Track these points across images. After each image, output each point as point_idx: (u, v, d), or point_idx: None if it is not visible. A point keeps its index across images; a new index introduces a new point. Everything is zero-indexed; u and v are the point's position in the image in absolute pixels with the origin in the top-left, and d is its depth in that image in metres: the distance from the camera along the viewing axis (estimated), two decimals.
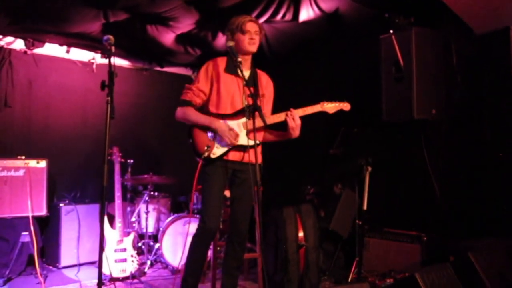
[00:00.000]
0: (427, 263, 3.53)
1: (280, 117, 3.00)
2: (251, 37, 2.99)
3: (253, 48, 3.02)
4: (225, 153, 2.97)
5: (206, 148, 2.92)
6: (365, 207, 3.69)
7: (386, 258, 3.91)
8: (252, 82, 3.09)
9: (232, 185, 3.13)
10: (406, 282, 2.89)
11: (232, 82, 3.05)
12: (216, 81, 3.03)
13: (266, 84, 3.21)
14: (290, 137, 3.05)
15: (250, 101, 2.79)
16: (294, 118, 2.96)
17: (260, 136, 3.09)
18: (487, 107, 3.80)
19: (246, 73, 3.08)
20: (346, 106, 3.18)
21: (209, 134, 2.99)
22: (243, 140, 2.96)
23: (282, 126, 3.01)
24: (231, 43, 2.95)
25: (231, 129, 2.94)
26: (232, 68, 3.03)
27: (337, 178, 4.44)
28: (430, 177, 3.88)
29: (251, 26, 3.00)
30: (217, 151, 2.97)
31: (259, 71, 3.20)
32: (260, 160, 3.08)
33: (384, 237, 4.00)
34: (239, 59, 2.84)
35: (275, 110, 3.16)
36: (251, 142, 2.86)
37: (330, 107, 3.13)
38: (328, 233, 4.14)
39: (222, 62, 3.09)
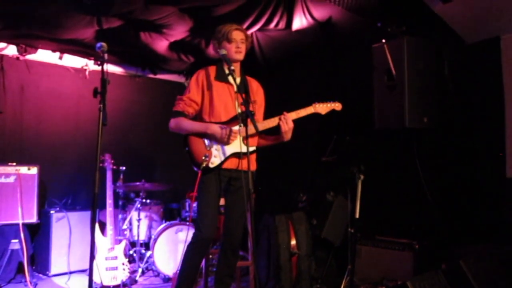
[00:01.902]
0: (419, 271, 3.54)
1: (274, 121, 3.03)
2: (237, 45, 3.03)
3: (240, 56, 3.05)
4: (223, 162, 2.97)
5: (204, 158, 2.92)
6: (357, 215, 3.69)
7: (378, 266, 3.91)
8: (243, 88, 3.11)
9: (227, 193, 3.13)
10: None
11: (223, 89, 3.06)
12: (207, 89, 3.05)
13: (257, 90, 3.24)
14: (283, 140, 3.08)
15: (243, 108, 2.81)
16: (287, 121, 2.99)
17: (254, 142, 3.10)
18: (479, 115, 3.83)
19: (237, 80, 3.10)
20: (337, 106, 3.23)
21: (206, 142, 2.99)
22: (237, 147, 2.96)
23: (275, 130, 3.03)
24: (223, 51, 2.98)
25: (223, 128, 2.94)
26: (223, 75, 3.06)
27: (330, 185, 4.44)
28: (422, 185, 3.90)
29: (237, 35, 3.04)
30: (215, 160, 2.97)
31: (249, 78, 3.22)
32: (254, 167, 3.09)
33: (376, 245, 4.00)
34: (232, 67, 2.87)
35: (269, 116, 3.17)
36: (250, 149, 2.87)
37: (322, 107, 3.18)
38: (320, 241, 4.14)
39: (212, 70, 3.12)
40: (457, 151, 3.93)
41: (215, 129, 2.94)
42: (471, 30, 3.77)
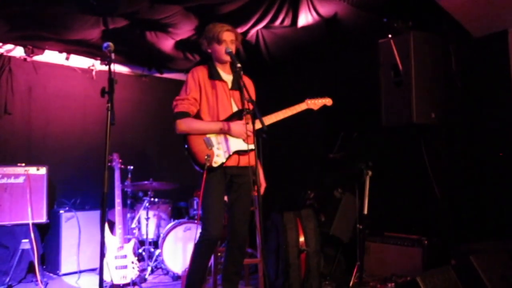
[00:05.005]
0: (428, 267, 3.52)
1: (277, 116, 3.08)
2: (227, 47, 3.01)
3: (228, 58, 3.04)
4: (226, 160, 2.97)
5: (206, 157, 2.91)
6: (365, 211, 3.68)
7: (387, 263, 3.90)
8: (237, 85, 3.10)
9: (230, 190, 3.13)
10: (407, 286, 2.88)
11: (218, 87, 3.08)
12: (204, 88, 3.05)
13: (249, 87, 3.24)
14: None
15: (246, 105, 2.84)
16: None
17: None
18: (487, 110, 3.80)
19: (229, 78, 3.12)
20: (328, 102, 3.37)
21: (206, 142, 2.98)
22: (241, 145, 2.97)
23: None
24: (229, 49, 2.98)
25: (242, 124, 2.95)
26: (216, 74, 3.08)
27: (337, 182, 4.43)
28: (431, 181, 3.88)
29: (227, 36, 3.03)
30: (218, 159, 2.96)
31: None
32: (254, 162, 3.09)
33: (385, 241, 3.99)
34: (239, 65, 2.88)
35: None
36: (251, 146, 2.89)
37: (314, 103, 3.32)
38: (329, 238, 4.13)
39: (204, 69, 3.12)
40: (465, 146, 3.91)
41: (234, 127, 2.95)
42: (478, 24, 3.74)
